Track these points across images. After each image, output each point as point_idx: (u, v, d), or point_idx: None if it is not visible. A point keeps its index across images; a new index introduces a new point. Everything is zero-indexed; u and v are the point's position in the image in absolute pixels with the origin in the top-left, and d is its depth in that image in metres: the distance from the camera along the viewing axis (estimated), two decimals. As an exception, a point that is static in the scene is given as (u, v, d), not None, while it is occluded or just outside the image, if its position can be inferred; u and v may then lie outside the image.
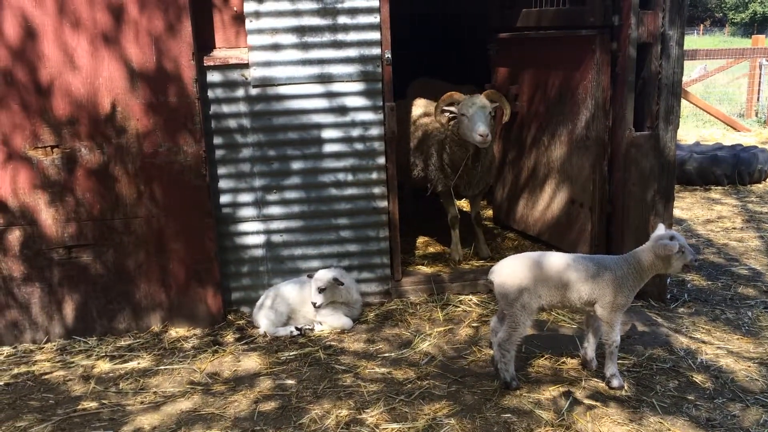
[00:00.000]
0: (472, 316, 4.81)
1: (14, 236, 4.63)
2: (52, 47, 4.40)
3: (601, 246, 5.19)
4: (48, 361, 4.46)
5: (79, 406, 3.85)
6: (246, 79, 4.71)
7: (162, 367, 4.28)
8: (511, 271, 3.74)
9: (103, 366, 4.34)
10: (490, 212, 7.04)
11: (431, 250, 6.14)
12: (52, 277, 4.72)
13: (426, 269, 5.58)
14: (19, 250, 4.65)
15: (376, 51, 4.76)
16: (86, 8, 4.37)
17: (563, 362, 4.10)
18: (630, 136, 4.83)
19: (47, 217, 4.62)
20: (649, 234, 3.87)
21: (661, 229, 3.70)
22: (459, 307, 4.96)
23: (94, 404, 3.87)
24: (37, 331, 4.77)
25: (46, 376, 4.25)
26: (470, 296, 5.12)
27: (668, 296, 5.01)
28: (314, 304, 4.57)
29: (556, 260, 3.75)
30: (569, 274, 3.68)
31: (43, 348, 4.67)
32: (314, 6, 4.64)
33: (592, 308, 3.74)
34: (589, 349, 3.96)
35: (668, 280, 5.13)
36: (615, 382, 3.76)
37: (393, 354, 4.33)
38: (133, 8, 4.40)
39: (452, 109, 5.15)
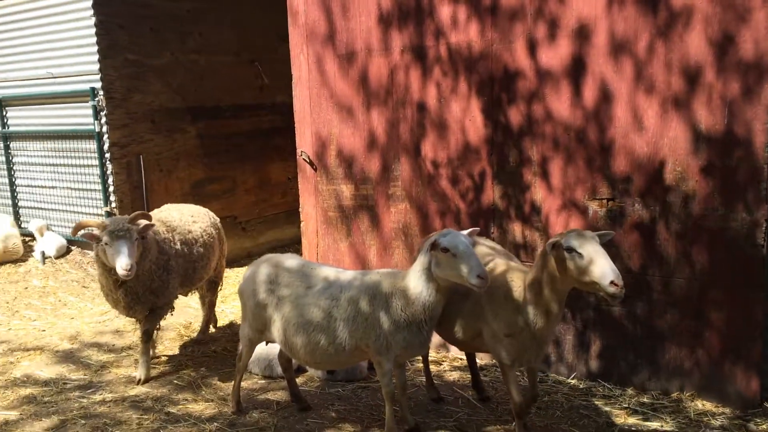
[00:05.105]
0: None
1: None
2: (624, 110, 4.73)
3: None
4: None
5: (609, 452, 4.01)
6: (829, 146, 4.20)
7: (687, 438, 4.13)
8: None
9: (626, 418, 4.43)
10: None
11: None
12: (586, 320, 5.06)
13: None
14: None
15: None
16: (662, 73, 4.56)
17: None
18: None
19: (591, 263, 4.98)
20: None
21: None
22: None
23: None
24: (565, 366, 5.18)
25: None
26: None
27: None
28: None
29: None
30: None
31: (570, 384, 5.04)
32: None
33: None
34: None
35: None
36: None
37: None
38: (710, 72, 4.40)
39: None
